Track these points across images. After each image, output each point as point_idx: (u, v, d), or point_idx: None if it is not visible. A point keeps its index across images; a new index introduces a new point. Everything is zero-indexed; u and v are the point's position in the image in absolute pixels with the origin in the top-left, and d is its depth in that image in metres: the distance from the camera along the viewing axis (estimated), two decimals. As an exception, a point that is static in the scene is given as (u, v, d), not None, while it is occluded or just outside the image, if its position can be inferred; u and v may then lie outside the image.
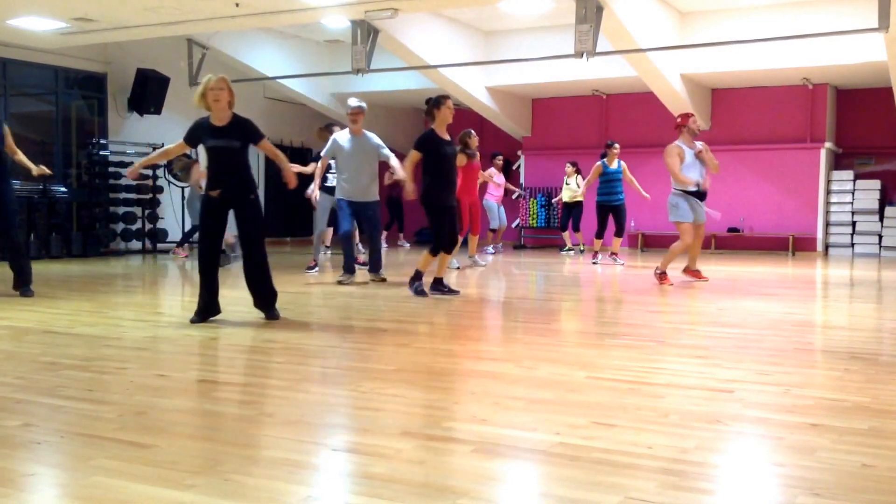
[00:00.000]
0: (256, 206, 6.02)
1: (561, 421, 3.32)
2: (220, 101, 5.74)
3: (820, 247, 15.41)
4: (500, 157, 15.06)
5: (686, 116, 9.02)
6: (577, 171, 14.81)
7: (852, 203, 15.28)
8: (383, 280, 9.06)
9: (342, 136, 8.87)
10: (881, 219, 15.13)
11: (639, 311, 7.43)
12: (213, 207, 5.94)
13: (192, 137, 5.98)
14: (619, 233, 12.29)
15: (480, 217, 11.87)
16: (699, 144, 9.08)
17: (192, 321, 5.88)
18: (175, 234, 14.68)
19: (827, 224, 15.52)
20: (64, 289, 8.33)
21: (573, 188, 14.61)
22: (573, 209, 14.76)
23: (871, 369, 4.47)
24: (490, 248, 14.75)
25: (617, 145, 12.17)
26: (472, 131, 10.96)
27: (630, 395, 3.79)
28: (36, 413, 3.51)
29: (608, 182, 12.12)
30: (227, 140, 5.82)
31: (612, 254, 12.35)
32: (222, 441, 3.09)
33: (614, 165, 12.10)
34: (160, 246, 14.58)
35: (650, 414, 3.45)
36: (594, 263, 12.10)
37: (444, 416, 3.45)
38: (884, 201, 15.26)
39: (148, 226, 14.50)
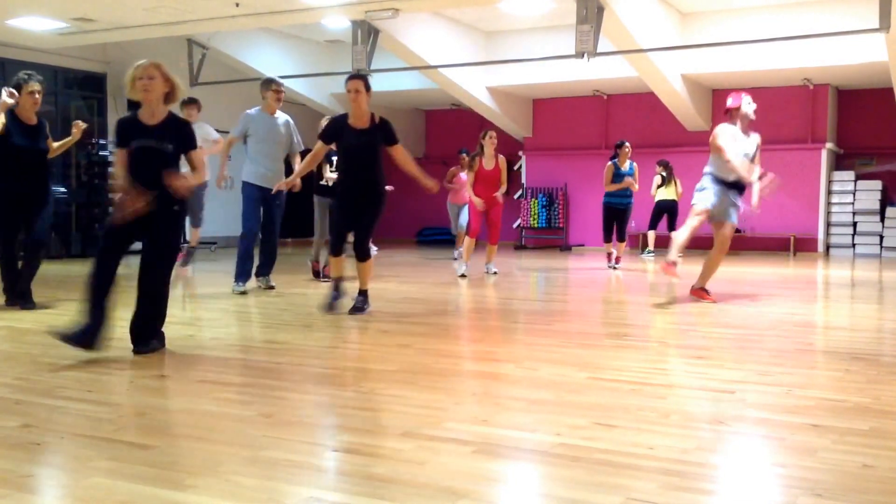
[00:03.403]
0: (178, 219, 4.97)
1: (562, 422, 3.31)
2: (149, 93, 4.67)
3: (821, 247, 15.41)
4: (466, 155, 13.29)
5: (738, 95, 7.28)
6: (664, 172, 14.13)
7: (853, 203, 15.28)
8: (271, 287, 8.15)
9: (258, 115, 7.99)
10: (882, 219, 15.13)
11: (640, 311, 7.42)
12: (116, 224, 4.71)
13: (123, 138, 4.77)
14: (621, 237, 11.62)
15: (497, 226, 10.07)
16: (755, 138, 7.35)
17: (140, 352, 4.75)
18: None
19: (828, 224, 15.52)
20: (63, 289, 8.32)
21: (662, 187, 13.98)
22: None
23: (872, 370, 4.47)
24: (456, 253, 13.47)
25: (627, 145, 11.47)
26: (490, 133, 9.83)
27: (631, 396, 3.78)
28: (35, 414, 3.50)
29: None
30: (158, 141, 4.72)
31: (618, 258, 11.59)
32: (222, 442, 3.08)
33: (626, 166, 11.40)
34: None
35: (651, 415, 3.44)
36: (613, 268, 11.31)
37: (444, 416, 3.44)
38: (885, 202, 15.26)
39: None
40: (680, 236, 7.48)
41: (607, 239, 11.64)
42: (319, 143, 6.61)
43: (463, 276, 9.62)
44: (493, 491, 2.61)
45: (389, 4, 10.77)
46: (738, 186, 7.26)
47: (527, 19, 14.19)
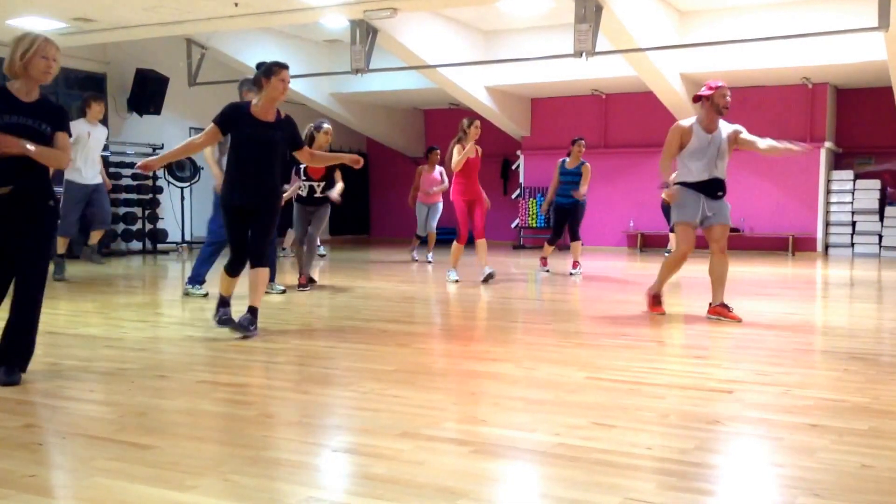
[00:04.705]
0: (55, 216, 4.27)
1: (560, 422, 3.33)
2: (49, 75, 4.15)
3: (820, 247, 15.42)
4: (437, 152, 12.71)
5: (715, 87, 6.33)
6: None
7: (852, 203, 15.29)
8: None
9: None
10: (881, 219, 15.14)
11: (638, 311, 7.43)
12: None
13: None
14: (573, 236, 10.64)
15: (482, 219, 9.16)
16: (729, 127, 6.46)
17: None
18: (175, 235, 14.67)
19: (827, 224, 15.53)
20: (64, 289, 8.33)
21: None
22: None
23: (871, 370, 4.48)
24: (415, 254, 12.69)
25: (583, 142, 10.62)
26: (476, 122, 8.99)
27: (629, 396, 3.79)
28: (37, 414, 3.52)
29: (564, 184, 10.59)
30: (35, 120, 4.10)
31: (574, 262, 10.62)
32: (223, 442, 3.09)
33: (572, 166, 10.52)
34: (160, 246, 14.58)
35: (650, 415, 3.46)
36: (547, 272, 10.62)
37: (443, 416, 3.45)
38: (883, 201, 15.27)
39: (148, 226, 14.49)
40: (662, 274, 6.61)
41: (552, 241, 10.76)
42: (215, 129, 5.47)
43: (456, 281, 9.12)
44: (492, 491, 2.62)
45: (388, 4, 10.76)
46: (708, 187, 6.36)
47: (525, 19, 14.19)
